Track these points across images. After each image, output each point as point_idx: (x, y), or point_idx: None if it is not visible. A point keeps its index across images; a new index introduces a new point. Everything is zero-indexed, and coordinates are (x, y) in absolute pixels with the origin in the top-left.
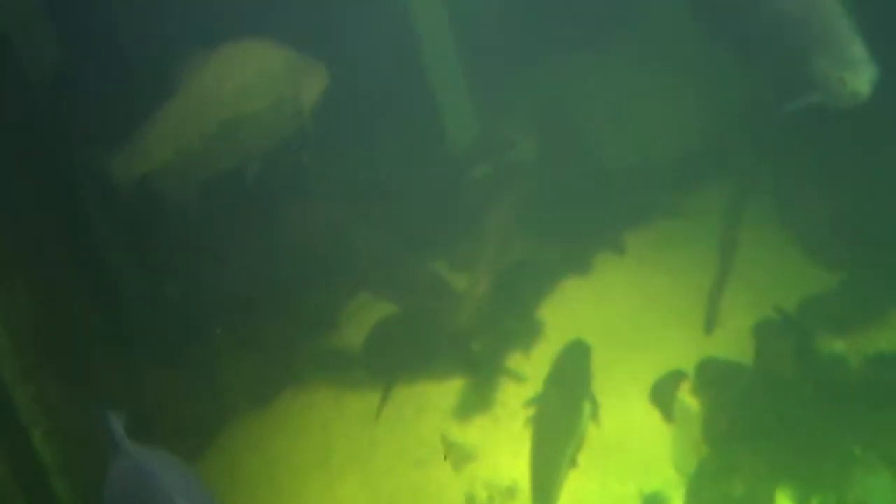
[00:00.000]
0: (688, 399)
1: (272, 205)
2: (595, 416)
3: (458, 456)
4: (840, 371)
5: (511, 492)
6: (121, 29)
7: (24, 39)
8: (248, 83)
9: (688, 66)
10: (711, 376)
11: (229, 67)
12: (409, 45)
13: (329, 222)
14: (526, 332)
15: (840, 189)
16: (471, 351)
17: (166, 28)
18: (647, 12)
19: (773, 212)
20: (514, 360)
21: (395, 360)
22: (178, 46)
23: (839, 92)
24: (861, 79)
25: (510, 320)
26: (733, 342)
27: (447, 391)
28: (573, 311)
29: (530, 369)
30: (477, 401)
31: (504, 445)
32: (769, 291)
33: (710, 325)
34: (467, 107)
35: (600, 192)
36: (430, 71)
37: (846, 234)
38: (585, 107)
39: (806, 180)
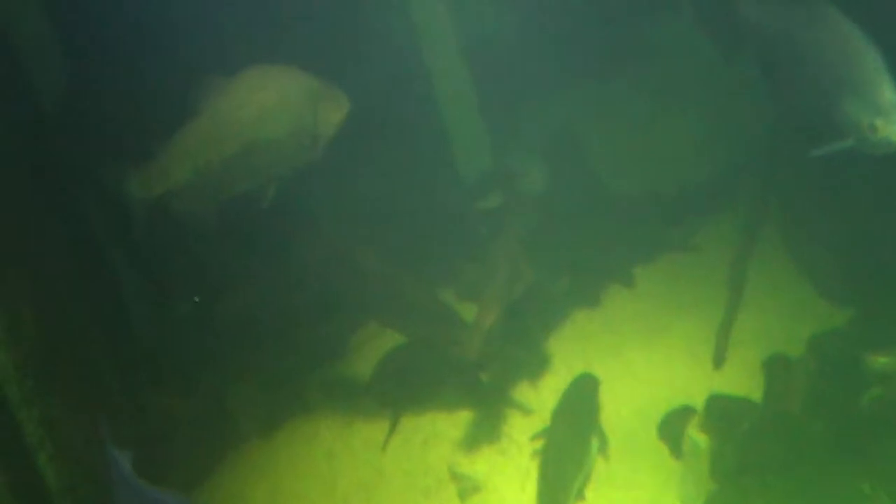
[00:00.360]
0: (696, 435)
1: (284, 231)
2: (603, 450)
3: (465, 487)
4: (850, 406)
5: None
6: (133, 46)
7: (35, 56)
8: (268, 108)
9: (699, 97)
10: (720, 412)
11: (250, 91)
12: (420, 72)
13: (338, 251)
14: (534, 363)
15: (849, 224)
16: (479, 382)
17: (179, 47)
18: (658, 42)
19: (783, 246)
20: (522, 392)
21: (403, 389)
22: (193, 66)
23: (870, 139)
24: (893, 126)
25: (518, 351)
26: (742, 377)
27: (455, 422)
28: (581, 343)
29: (538, 401)
30: (484, 432)
31: (511, 478)
32: (778, 326)
33: (718, 359)
34: (479, 135)
35: (610, 223)
36: (441, 98)
37: (855, 269)
38: (596, 137)
39: (815, 214)
